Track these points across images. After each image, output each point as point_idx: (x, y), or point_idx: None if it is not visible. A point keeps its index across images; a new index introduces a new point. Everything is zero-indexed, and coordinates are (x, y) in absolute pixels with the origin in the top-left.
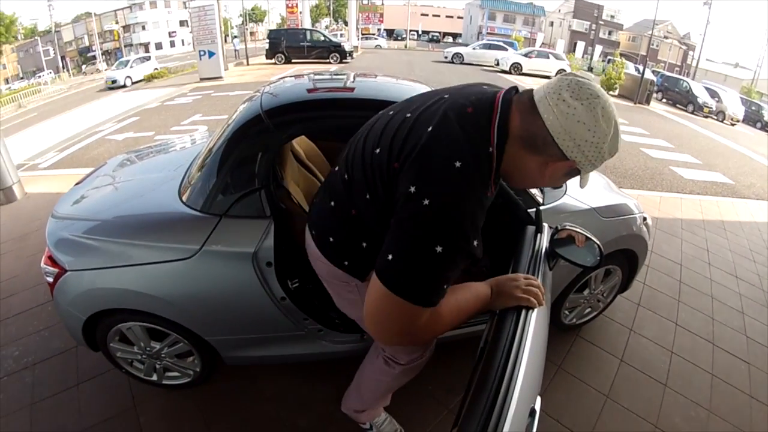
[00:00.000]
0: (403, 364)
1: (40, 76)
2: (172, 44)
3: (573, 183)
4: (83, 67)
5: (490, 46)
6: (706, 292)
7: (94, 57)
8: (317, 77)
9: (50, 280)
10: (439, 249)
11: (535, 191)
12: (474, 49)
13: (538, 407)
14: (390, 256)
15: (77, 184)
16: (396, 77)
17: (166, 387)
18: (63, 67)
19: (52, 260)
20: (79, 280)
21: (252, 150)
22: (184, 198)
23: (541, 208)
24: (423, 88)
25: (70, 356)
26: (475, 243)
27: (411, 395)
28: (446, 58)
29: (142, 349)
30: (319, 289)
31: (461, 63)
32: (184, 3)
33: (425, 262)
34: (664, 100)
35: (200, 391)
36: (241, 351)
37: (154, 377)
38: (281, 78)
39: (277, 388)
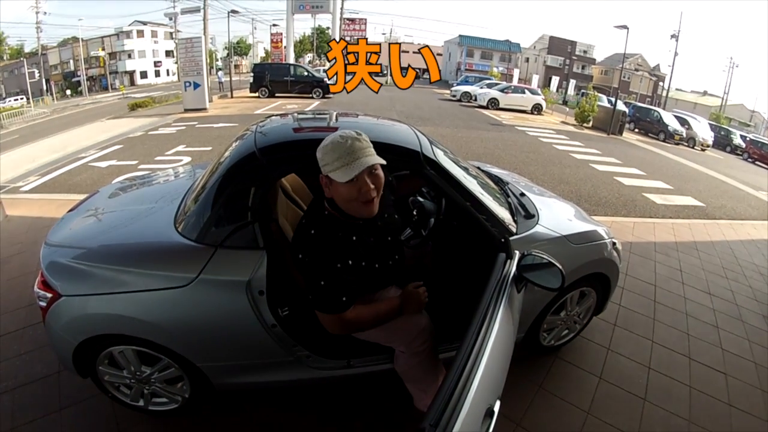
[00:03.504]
0: (405, 351)
1: (5, 102)
2: (157, 74)
3: (545, 214)
4: (67, 92)
5: (491, 86)
6: (681, 309)
7: (79, 83)
8: (302, 116)
9: (43, 304)
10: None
11: (508, 221)
12: (481, 88)
13: (497, 408)
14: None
15: (70, 211)
16: (377, 116)
17: (152, 413)
18: (47, 91)
19: (45, 285)
20: (73, 305)
21: (246, 185)
22: (179, 228)
23: (515, 237)
24: (402, 128)
25: (51, 381)
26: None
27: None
28: (454, 96)
29: (131, 374)
30: (307, 317)
31: (468, 101)
32: (171, 34)
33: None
34: (636, 130)
35: (185, 418)
36: (231, 377)
37: (141, 402)
38: (269, 117)
39: (262, 416)
